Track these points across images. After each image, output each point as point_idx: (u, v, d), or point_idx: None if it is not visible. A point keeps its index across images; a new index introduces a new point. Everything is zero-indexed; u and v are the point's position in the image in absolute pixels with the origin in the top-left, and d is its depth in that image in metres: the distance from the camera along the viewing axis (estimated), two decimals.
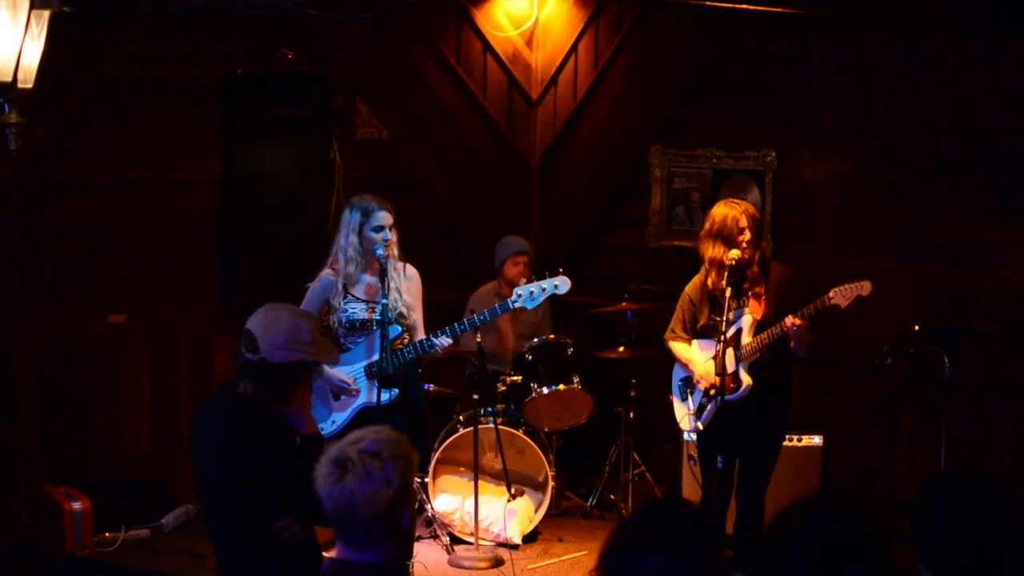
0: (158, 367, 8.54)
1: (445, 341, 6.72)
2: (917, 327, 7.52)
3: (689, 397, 6.96)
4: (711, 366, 6.71)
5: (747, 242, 6.69)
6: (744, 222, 6.70)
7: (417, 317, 6.90)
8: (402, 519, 3.36)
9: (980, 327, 7.62)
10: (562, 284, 6.78)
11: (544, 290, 6.76)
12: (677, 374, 7.11)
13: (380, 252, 6.63)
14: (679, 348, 7.01)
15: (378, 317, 6.60)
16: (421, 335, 6.89)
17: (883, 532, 2.84)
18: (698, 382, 6.86)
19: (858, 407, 8.39)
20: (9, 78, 4.74)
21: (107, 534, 7.88)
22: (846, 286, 6.61)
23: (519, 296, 6.77)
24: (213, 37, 8.37)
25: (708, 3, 8.26)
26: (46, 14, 4.79)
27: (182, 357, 8.62)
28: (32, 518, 7.84)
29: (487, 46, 9.67)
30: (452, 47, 9.54)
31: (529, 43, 9.86)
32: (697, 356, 6.91)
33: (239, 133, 8.49)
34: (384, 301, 6.53)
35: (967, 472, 3.48)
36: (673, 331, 7.05)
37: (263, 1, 7.65)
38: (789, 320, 6.58)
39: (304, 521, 4.52)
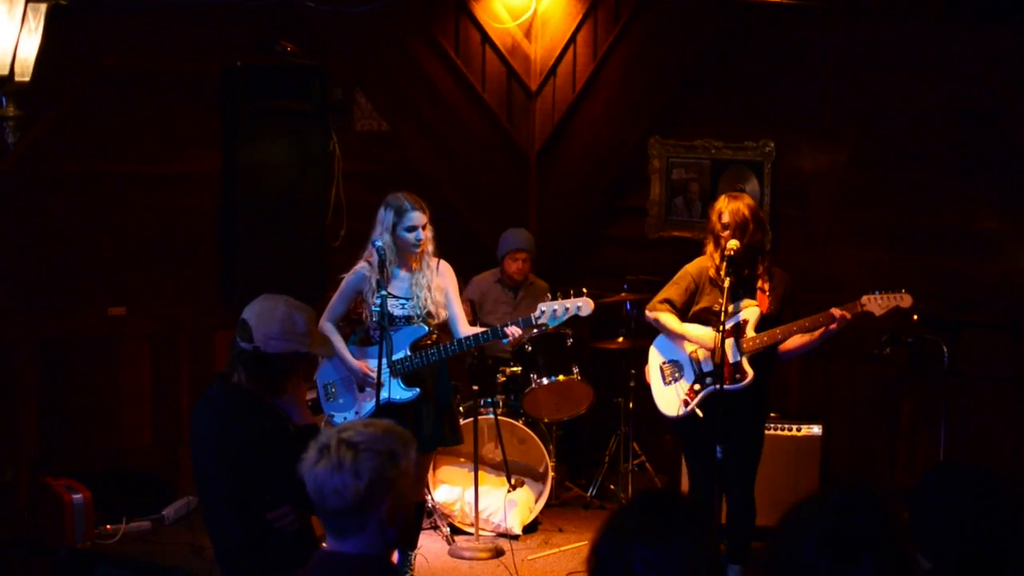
0: (158, 359, 8.55)
1: (516, 331, 6.81)
2: (916, 317, 7.50)
3: (676, 382, 6.85)
4: (710, 333, 6.63)
5: (727, 237, 6.57)
6: (726, 218, 6.59)
7: (456, 311, 6.95)
8: (379, 512, 3.34)
9: (978, 316, 7.64)
10: (585, 307, 6.81)
11: (568, 310, 6.80)
12: (658, 356, 6.96)
13: (379, 244, 6.66)
14: (669, 319, 6.77)
15: (376, 308, 6.61)
16: (464, 327, 6.95)
17: (898, 522, 2.82)
18: (701, 357, 6.77)
19: (857, 397, 8.41)
20: (6, 71, 4.76)
21: (108, 526, 7.90)
22: (883, 295, 6.49)
23: (543, 312, 6.82)
24: (211, 29, 8.37)
25: None
26: (43, 7, 4.79)
27: (182, 349, 8.63)
28: (33, 510, 7.85)
29: (486, 38, 9.67)
30: (451, 39, 9.54)
31: (528, 34, 9.86)
32: (692, 327, 6.75)
33: (238, 126, 8.49)
34: (382, 293, 6.56)
35: (966, 463, 3.48)
36: (668, 301, 6.79)
37: None
38: (838, 312, 6.47)
39: (298, 510, 4.54)
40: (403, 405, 6.72)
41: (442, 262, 6.95)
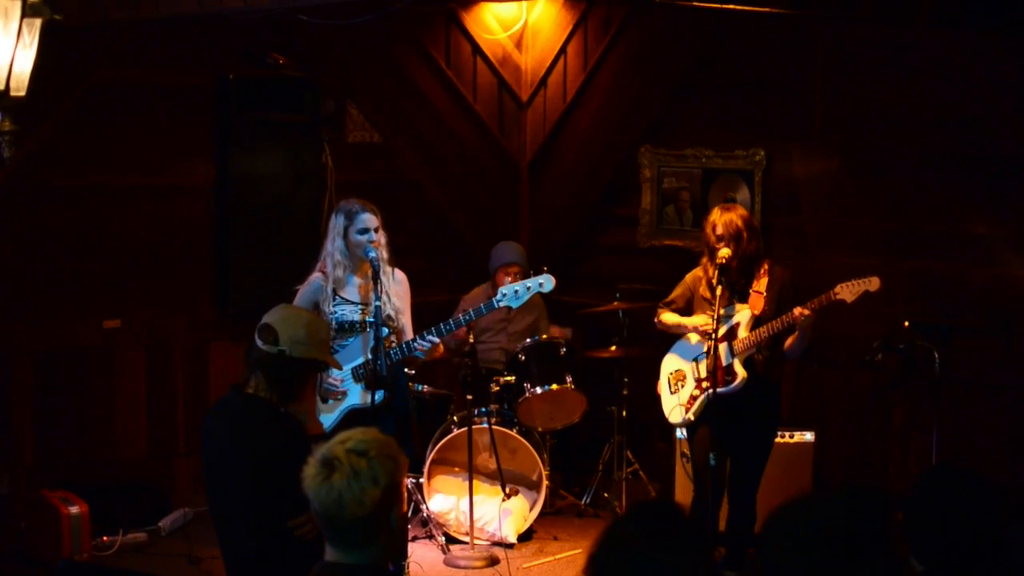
0: (153, 371, 8.56)
1: (433, 339, 6.73)
2: (907, 323, 7.55)
3: (680, 390, 7.01)
4: (702, 317, 6.83)
5: (721, 248, 6.71)
6: (720, 229, 6.74)
7: (405, 321, 6.86)
8: (389, 519, 3.38)
9: (970, 322, 7.66)
10: (546, 282, 6.73)
11: (528, 288, 6.72)
12: (666, 367, 7.14)
13: (372, 255, 6.61)
14: (667, 316, 7.08)
15: (371, 319, 6.59)
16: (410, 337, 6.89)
17: (895, 522, 2.83)
18: (700, 366, 6.88)
19: (849, 403, 8.43)
20: (1, 86, 4.75)
21: (105, 538, 7.89)
22: (853, 281, 6.63)
23: (504, 295, 6.73)
24: (204, 43, 8.40)
25: (696, 3, 8.28)
26: (38, 22, 4.79)
27: (177, 361, 8.64)
28: (30, 523, 7.85)
29: (477, 49, 9.71)
30: (442, 50, 9.58)
31: (519, 45, 9.90)
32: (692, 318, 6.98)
33: (231, 138, 8.53)
34: (377, 303, 6.52)
35: (960, 467, 3.51)
36: (669, 302, 7.10)
37: (254, 7, 7.66)
38: (798, 310, 6.58)
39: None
40: (370, 411, 6.51)
41: (398, 271, 6.87)
